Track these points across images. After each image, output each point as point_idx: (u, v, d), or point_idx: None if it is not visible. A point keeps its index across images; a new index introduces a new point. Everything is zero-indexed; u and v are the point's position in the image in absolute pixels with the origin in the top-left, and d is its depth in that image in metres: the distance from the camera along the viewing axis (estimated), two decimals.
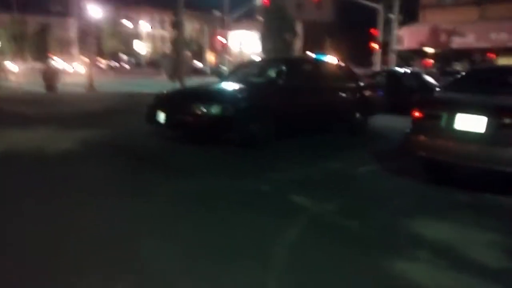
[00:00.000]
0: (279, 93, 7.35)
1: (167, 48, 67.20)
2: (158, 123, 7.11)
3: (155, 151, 7.01)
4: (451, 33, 25.38)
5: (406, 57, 28.94)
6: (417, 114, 5.15)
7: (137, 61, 60.48)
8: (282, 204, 4.43)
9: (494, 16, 24.01)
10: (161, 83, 21.14)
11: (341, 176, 5.66)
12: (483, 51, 24.70)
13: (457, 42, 25.23)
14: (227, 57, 39.21)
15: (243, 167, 6.05)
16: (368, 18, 44.63)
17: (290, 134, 7.60)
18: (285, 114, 7.18)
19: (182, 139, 7.54)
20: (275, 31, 42.64)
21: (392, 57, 27.71)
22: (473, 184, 5.31)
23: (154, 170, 5.72)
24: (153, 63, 49.84)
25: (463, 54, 26.06)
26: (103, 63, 54.07)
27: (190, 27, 71.23)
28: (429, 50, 26.81)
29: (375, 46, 29.59)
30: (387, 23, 28.85)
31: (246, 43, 50.44)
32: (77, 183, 5.02)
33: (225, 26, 40.97)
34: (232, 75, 9.01)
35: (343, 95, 8.46)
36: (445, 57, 26.36)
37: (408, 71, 15.01)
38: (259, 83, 7.50)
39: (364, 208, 4.41)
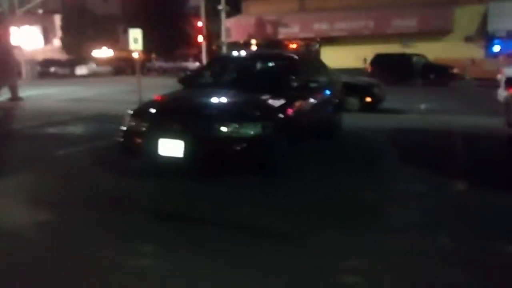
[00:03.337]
0: (292, 100, 5.25)
1: None
2: (160, 156, 4.31)
3: (171, 197, 4.35)
4: (276, 24, 26.14)
5: (235, 50, 28.69)
6: None
7: None
8: None
9: (313, 8, 25.73)
10: None
11: (471, 212, 4.05)
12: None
13: (283, 33, 26.16)
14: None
15: (317, 219, 3.79)
16: (175, 8, 43.00)
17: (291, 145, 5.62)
18: (294, 124, 5.23)
19: (161, 173, 4.90)
20: (77, 25, 37.03)
21: (223, 50, 26.95)
22: None
23: (225, 236, 3.28)
24: None
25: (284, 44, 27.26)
26: None
27: None
28: (254, 41, 27.13)
29: (201, 38, 28.28)
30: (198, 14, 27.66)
31: (29, 39, 42.67)
32: None
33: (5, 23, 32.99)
34: (207, 79, 6.36)
35: (326, 93, 6.85)
36: (269, 47, 26.99)
37: None
38: (271, 89, 5.12)
39: None
